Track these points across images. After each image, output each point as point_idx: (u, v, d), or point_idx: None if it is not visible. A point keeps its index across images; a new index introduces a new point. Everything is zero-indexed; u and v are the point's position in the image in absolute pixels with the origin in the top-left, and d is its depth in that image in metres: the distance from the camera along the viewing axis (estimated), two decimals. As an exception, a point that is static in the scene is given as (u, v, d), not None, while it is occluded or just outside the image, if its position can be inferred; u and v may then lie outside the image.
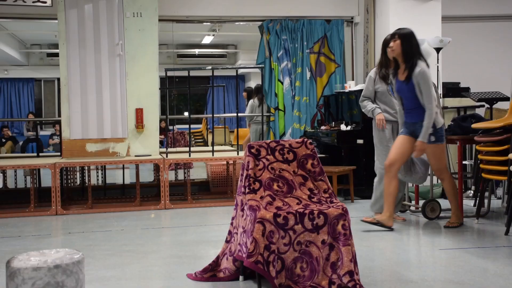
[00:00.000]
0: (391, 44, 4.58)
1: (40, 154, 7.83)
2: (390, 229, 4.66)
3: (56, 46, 13.66)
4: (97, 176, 7.86)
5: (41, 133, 13.00)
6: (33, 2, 6.96)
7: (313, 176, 3.35)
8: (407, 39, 4.54)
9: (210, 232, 4.85)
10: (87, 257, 3.95)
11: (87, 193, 6.62)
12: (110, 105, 6.72)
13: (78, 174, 7.55)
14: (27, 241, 4.62)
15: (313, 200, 3.25)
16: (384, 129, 5.09)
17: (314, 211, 3.06)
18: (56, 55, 13.84)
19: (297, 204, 3.19)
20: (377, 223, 4.66)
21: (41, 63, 15.26)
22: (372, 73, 5.18)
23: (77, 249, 4.01)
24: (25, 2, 6.90)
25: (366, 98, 5.21)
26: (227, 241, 3.40)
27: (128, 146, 6.75)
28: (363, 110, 5.29)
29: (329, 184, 3.37)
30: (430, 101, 4.45)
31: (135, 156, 6.64)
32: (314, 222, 3.05)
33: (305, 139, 3.43)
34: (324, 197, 3.29)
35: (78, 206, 6.43)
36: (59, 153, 8.37)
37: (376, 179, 5.15)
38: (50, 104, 16.13)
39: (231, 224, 3.41)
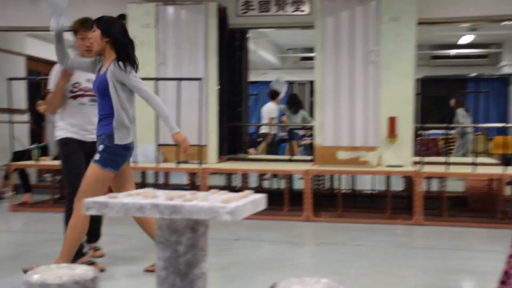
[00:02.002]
0: None
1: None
2: None
3: (308, 50, 14.17)
4: (346, 181, 7.83)
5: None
6: (293, 11, 7.19)
7: None
8: None
9: (472, 259, 4.39)
10: (338, 274, 3.87)
11: (336, 199, 6.62)
12: (363, 113, 6.61)
13: (327, 179, 7.62)
14: (280, 248, 4.74)
15: None
16: None
17: None
18: (309, 58, 14.39)
19: None
20: None
21: (294, 66, 15.97)
22: None
23: (328, 263, 4.01)
24: (285, 12, 7.16)
25: None
26: (503, 283, 2.97)
27: (380, 155, 6.56)
28: None
29: None
30: None
31: (387, 166, 6.42)
32: None
33: None
34: None
35: (328, 212, 6.45)
36: (309, 156, 8.59)
37: None
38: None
39: (508, 263, 2.97)
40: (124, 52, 3.64)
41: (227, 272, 3.91)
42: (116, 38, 3.62)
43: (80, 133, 4.09)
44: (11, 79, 7.04)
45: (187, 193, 2.40)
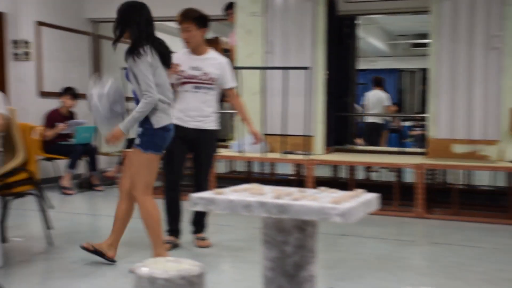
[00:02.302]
0: None
1: (401, 146, 7.75)
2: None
3: (421, 36, 13.54)
4: (462, 176, 7.37)
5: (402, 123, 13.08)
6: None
7: None
8: None
9: None
10: (455, 278, 3.59)
11: (450, 195, 6.23)
12: (482, 103, 6.14)
13: (440, 173, 7.20)
14: (390, 246, 4.51)
15: None
16: None
17: None
18: (421, 45, 13.77)
19: None
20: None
21: (405, 54, 15.36)
22: None
23: (442, 266, 3.71)
24: (398, -4, 6.82)
25: None
26: None
27: (501, 149, 6.07)
28: None
29: None
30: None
31: (510, 161, 5.93)
32: None
33: None
34: None
35: (441, 209, 6.09)
36: (419, 147, 8.18)
37: None
38: (412, 95, 16.15)
39: None
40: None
41: (334, 270, 3.76)
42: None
43: (184, 119, 4.18)
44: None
45: (295, 191, 2.28)
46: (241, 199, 2.00)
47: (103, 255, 3.74)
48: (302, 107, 6.51)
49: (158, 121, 3.49)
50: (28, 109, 7.29)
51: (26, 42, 7.36)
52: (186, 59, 4.20)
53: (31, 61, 7.41)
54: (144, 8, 3.59)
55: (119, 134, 3.49)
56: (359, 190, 2.24)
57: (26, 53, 7.38)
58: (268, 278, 2.20)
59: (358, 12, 7.37)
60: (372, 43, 13.38)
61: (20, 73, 7.41)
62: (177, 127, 4.13)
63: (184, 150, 4.26)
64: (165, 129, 3.54)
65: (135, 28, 3.48)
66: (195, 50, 4.22)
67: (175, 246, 4.27)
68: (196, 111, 4.18)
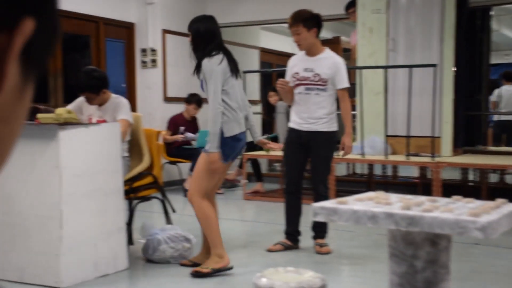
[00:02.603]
0: None
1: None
2: None
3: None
4: None
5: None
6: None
7: None
8: None
9: None
10: None
11: None
12: None
13: None
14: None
15: None
16: None
17: None
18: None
19: None
20: None
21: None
22: None
23: None
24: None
25: None
26: None
27: None
28: None
29: None
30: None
31: None
32: None
33: None
34: None
35: None
36: None
37: None
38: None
39: None
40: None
41: (466, 283, 3.47)
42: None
43: (297, 122, 4.17)
44: (246, 72, 7.35)
45: (425, 200, 2.08)
46: (366, 210, 1.85)
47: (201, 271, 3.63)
48: (428, 106, 6.16)
49: (229, 130, 3.50)
50: (154, 115, 7.58)
51: (153, 50, 7.67)
52: (300, 61, 4.16)
53: (157, 68, 7.71)
54: (210, 19, 3.66)
55: (213, 158, 3.48)
56: (500, 200, 2.00)
57: (153, 61, 7.69)
58: (396, 295, 2.03)
59: (492, 2, 6.85)
60: (507, 34, 12.47)
61: (147, 80, 7.73)
62: (292, 130, 4.11)
63: (301, 153, 4.18)
64: (235, 138, 3.53)
65: (206, 38, 3.54)
66: (309, 51, 4.14)
67: (286, 248, 4.22)
68: (307, 113, 4.10)
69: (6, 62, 0.37)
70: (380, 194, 2.11)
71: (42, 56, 0.40)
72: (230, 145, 3.52)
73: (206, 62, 3.48)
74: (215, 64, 3.46)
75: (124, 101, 4.09)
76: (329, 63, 4.12)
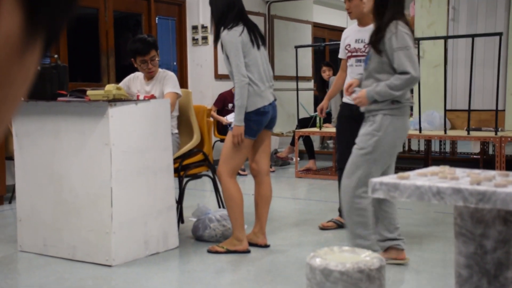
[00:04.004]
0: None
1: None
2: None
3: None
4: None
5: None
6: None
7: None
8: None
9: None
10: None
11: None
12: None
13: None
14: None
15: None
16: None
17: None
18: None
19: None
20: None
21: None
22: None
23: None
24: None
25: None
26: None
27: None
28: None
29: None
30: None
31: None
32: None
33: None
34: None
35: None
36: None
37: None
38: None
39: None
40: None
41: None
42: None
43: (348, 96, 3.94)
44: (298, 47, 7.17)
45: (496, 174, 1.89)
46: (430, 185, 1.69)
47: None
48: (491, 78, 5.84)
49: (251, 105, 3.39)
50: (205, 93, 7.51)
51: (204, 27, 7.57)
52: (352, 32, 3.98)
53: (208, 45, 7.62)
54: None
55: (236, 131, 3.41)
56: None
57: (204, 38, 7.60)
58: (463, 277, 1.86)
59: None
60: None
61: (198, 57, 7.66)
62: (345, 105, 3.94)
63: (354, 128, 3.99)
64: (259, 112, 3.42)
65: (225, 10, 3.44)
66: (360, 21, 3.93)
67: (339, 226, 4.08)
68: (357, 87, 3.91)
69: None
70: (445, 168, 1.93)
71: (55, 13, 0.32)
72: (254, 120, 3.43)
73: (224, 35, 3.39)
74: (234, 36, 3.36)
75: (170, 74, 4.03)
76: None
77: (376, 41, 3.06)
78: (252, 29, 3.45)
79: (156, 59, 3.97)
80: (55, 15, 0.33)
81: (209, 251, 3.54)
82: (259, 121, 3.45)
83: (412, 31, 3.15)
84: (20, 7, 0.30)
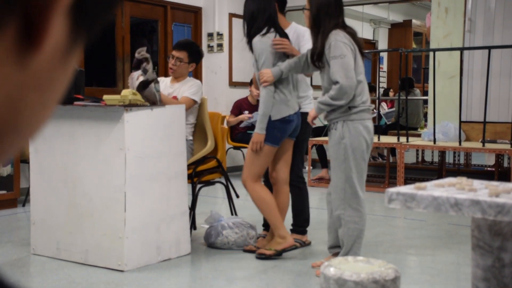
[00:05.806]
0: None
1: None
2: None
3: None
4: None
5: None
6: None
7: None
8: None
9: None
10: None
11: None
12: None
13: None
14: None
15: None
16: None
17: None
18: None
19: None
20: None
21: None
22: None
23: None
24: None
25: None
26: None
27: None
28: None
29: None
30: None
31: None
32: None
33: None
34: None
35: None
36: None
37: None
38: None
39: None
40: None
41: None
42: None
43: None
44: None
45: (515, 186, 1.87)
46: (448, 196, 1.67)
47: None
48: (507, 90, 5.80)
49: (276, 113, 3.40)
50: (220, 99, 7.52)
51: (220, 34, 7.60)
52: None
53: (223, 53, 7.64)
54: None
55: (256, 139, 3.42)
56: None
57: (219, 45, 7.62)
58: (480, 291, 1.84)
59: None
60: None
61: (213, 64, 7.68)
62: None
63: None
64: (284, 120, 3.42)
65: (258, 18, 3.44)
66: None
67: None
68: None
69: (50, 14, 0.29)
70: (462, 180, 1.91)
71: (98, 14, 0.33)
72: (279, 128, 3.44)
73: (256, 41, 3.41)
74: (266, 43, 3.38)
75: (195, 81, 4.09)
76: None
77: (317, 59, 3.10)
78: (282, 37, 3.46)
79: (182, 62, 4.01)
80: (100, 12, 0.33)
81: (258, 257, 3.51)
82: (284, 129, 3.46)
83: (357, 41, 3.11)
84: (68, 16, 0.31)
